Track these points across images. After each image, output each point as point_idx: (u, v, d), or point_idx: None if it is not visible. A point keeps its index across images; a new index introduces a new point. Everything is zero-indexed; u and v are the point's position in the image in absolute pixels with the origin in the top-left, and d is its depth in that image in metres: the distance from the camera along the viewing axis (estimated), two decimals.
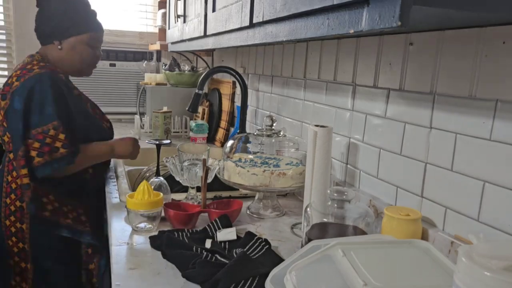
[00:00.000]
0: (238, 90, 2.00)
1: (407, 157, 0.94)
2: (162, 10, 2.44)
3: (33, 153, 1.21)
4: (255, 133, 1.26)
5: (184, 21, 1.72)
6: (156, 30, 2.62)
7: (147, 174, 1.47)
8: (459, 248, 0.53)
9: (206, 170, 1.11)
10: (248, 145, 1.26)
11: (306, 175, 1.02)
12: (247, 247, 0.92)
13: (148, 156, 1.82)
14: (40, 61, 1.34)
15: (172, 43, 2.15)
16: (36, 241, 1.29)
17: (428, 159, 0.88)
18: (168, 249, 0.90)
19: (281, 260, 0.86)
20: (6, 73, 2.49)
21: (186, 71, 2.38)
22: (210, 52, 2.44)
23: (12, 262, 1.30)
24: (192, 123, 2.04)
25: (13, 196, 1.29)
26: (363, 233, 0.84)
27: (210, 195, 1.27)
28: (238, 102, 1.99)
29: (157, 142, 1.26)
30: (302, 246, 0.88)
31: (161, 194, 1.06)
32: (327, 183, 1.00)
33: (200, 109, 2.25)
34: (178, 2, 1.78)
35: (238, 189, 1.21)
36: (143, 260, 0.89)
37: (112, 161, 1.61)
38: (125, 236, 1.01)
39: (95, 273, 1.37)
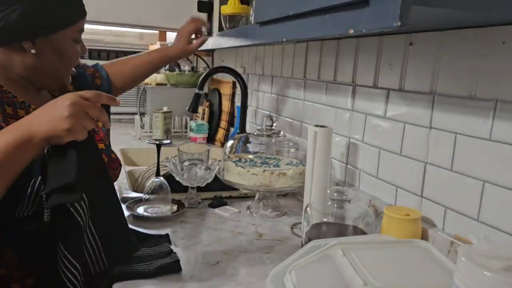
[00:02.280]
0: (238, 90, 2.00)
1: (407, 157, 0.94)
2: None
3: None
4: (255, 133, 1.26)
5: None
6: (156, 31, 2.62)
7: (147, 174, 1.47)
8: (459, 248, 0.53)
9: None
10: (248, 145, 1.26)
11: (306, 175, 1.03)
12: None
13: (148, 156, 1.82)
14: None
15: None
16: None
17: (428, 159, 0.88)
18: None
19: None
20: None
21: (186, 71, 2.38)
22: (210, 52, 2.45)
23: None
24: (192, 123, 2.04)
25: None
26: (363, 233, 0.84)
27: (210, 195, 1.27)
28: (238, 102, 1.99)
29: (157, 142, 1.26)
30: (302, 246, 0.88)
31: None
32: (327, 183, 1.00)
33: (200, 109, 2.25)
34: None
35: (238, 189, 1.21)
36: None
37: None
38: None
39: None
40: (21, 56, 0.83)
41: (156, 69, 1.33)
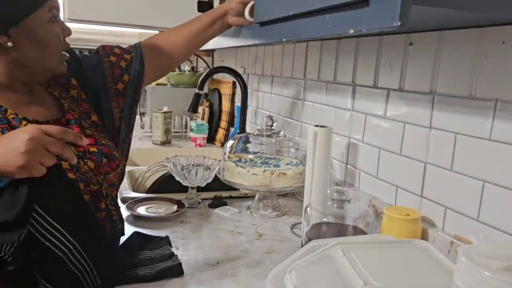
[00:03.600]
0: (238, 90, 2.00)
1: (407, 157, 0.94)
2: None
3: None
4: (255, 133, 1.26)
5: None
6: (156, 31, 2.62)
7: (147, 174, 1.47)
8: (459, 248, 0.53)
9: None
10: (248, 145, 1.26)
11: (306, 175, 1.03)
12: None
13: (148, 156, 1.82)
14: None
15: None
16: None
17: (427, 159, 0.88)
18: None
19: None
20: None
21: (186, 71, 2.38)
22: (210, 52, 2.45)
23: None
24: (192, 123, 2.04)
25: None
26: (363, 233, 0.84)
27: (210, 195, 1.27)
28: (238, 102, 1.99)
29: None
30: (302, 246, 0.88)
31: None
32: (327, 183, 1.00)
33: (200, 109, 2.25)
34: None
35: (238, 189, 1.21)
36: None
37: None
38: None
39: None
40: (0, 54, 0.79)
41: (205, 30, 1.11)
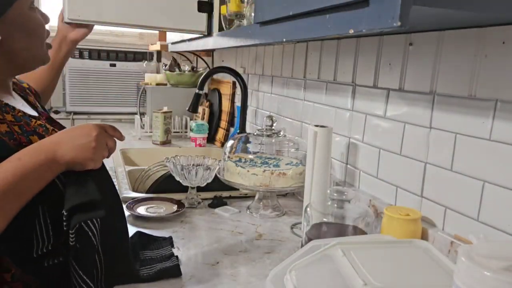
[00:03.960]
0: (238, 90, 2.00)
1: (407, 157, 0.94)
2: None
3: None
4: (255, 133, 1.26)
5: None
6: (156, 31, 2.62)
7: (147, 174, 1.47)
8: (459, 248, 0.53)
9: None
10: (248, 145, 1.26)
11: (306, 175, 1.03)
12: None
13: (148, 156, 1.82)
14: None
15: (172, 43, 2.15)
16: None
17: (427, 159, 0.88)
18: None
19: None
20: None
21: (186, 71, 2.38)
22: (210, 52, 2.45)
23: None
24: (192, 123, 2.04)
25: None
26: (363, 233, 0.84)
27: (210, 195, 1.27)
28: (238, 102, 1.99)
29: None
30: (302, 246, 0.88)
31: None
32: (327, 183, 1.00)
33: (200, 109, 2.25)
34: None
35: (238, 189, 1.22)
36: None
37: (111, 159, 1.60)
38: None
39: None
40: None
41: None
